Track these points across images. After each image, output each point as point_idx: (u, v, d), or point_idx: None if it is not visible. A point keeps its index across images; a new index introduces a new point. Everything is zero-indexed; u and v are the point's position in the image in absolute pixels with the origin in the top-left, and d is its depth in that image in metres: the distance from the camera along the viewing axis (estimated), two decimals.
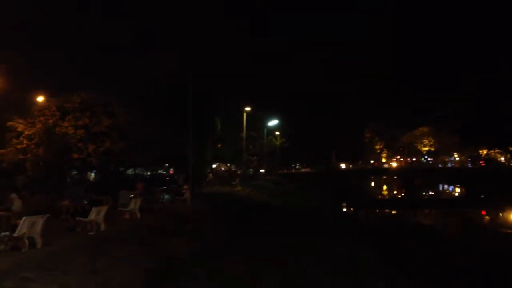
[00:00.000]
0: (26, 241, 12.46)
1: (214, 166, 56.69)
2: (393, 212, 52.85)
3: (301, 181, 75.38)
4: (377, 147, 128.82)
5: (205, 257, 15.44)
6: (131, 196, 21.55)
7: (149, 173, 43.45)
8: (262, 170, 67.48)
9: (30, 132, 29.92)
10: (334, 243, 20.15)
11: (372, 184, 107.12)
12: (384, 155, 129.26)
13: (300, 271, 14.21)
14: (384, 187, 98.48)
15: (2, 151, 29.88)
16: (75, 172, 36.06)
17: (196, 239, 18.32)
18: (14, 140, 30.02)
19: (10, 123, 30.17)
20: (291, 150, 79.38)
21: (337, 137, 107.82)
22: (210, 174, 48.76)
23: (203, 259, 15.02)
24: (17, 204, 16.22)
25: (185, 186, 28.53)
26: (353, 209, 53.34)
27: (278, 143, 71.95)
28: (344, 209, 51.68)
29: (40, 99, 33.24)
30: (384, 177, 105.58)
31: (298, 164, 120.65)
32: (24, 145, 29.81)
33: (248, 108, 48.72)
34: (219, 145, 50.73)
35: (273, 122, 64.07)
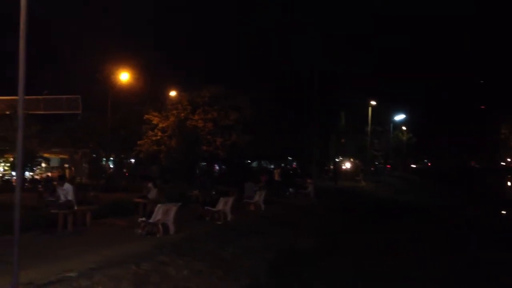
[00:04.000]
0: (161, 227, 13.23)
1: (337, 160, 56.06)
2: None
3: (429, 177, 71.80)
4: None
5: (327, 251, 15.32)
6: (256, 188, 22.00)
7: (272, 166, 44.08)
8: (387, 166, 65.49)
9: (164, 125, 31.80)
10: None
11: (509, 183, 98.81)
12: None
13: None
14: None
15: (140, 142, 32.16)
16: (203, 163, 37.76)
17: (318, 233, 18.27)
18: (150, 132, 32.12)
19: (146, 116, 32.36)
20: (418, 146, 76.02)
21: (470, 134, 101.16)
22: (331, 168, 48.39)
23: (325, 253, 14.90)
24: (152, 192, 17.31)
25: (309, 180, 28.54)
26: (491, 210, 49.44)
27: (404, 138, 69.36)
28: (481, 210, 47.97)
29: (173, 93, 35.26)
30: None
31: (425, 160, 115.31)
32: (158, 137, 31.77)
33: (373, 102, 47.51)
34: (342, 140, 50.07)
35: (400, 117, 61.86)
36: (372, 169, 59.99)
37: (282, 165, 44.05)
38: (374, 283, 11.74)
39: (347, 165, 57.01)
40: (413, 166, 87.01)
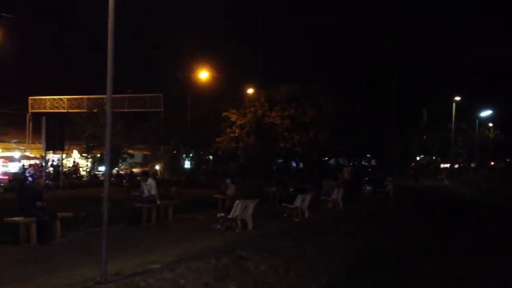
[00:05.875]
0: (239, 223, 13.43)
1: (418, 158, 54.25)
2: None
3: None
4: None
5: (407, 250, 14.87)
6: (334, 186, 21.76)
7: (350, 164, 43.39)
8: (472, 164, 62.52)
9: (241, 122, 32.22)
10: None
11: None
12: None
13: None
14: None
15: (219, 139, 32.80)
16: (280, 160, 37.89)
17: (398, 232, 17.76)
18: (228, 129, 32.67)
19: (224, 113, 32.94)
20: (506, 143, 71.85)
21: None
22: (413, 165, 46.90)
23: (406, 252, 14.47)
24: (231, 189, 17.62)
25: (389, 178, 27.82)
26: None
27: (491, 135, 65.93)
28: None
29: (250, 91, 35.65)
30: None
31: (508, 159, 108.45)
32: (236, 134, 32.24)
33: (457, 98, 45.52)
34: (424, 137, 48.36)
35: (486, 113, 58.78)
36: (455, 167, 57.54)
37: (354, 163, 43.20)
38: (457, 284, 11.26)
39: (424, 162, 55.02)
40: (501, 165, 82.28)
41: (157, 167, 35.61)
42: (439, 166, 57.81)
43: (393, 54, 29.64)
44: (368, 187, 27.74)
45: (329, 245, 13.06)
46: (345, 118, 31.90)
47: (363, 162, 46.65)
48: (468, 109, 53.75)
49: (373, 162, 51.07)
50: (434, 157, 56.80)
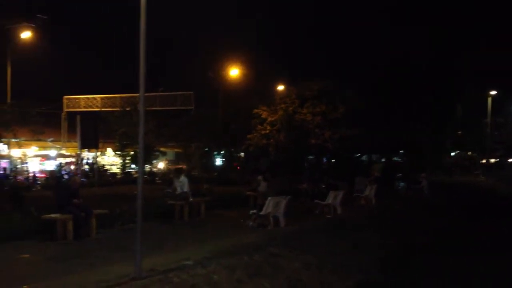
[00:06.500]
0: (271, 220, 13.43)
1: (452, 154, 53.23)
2: None
3: None
4: None
5: (443, 248, 14.58)
6: (367, 182, 21.56)
7: (383, 160, 42.83)
8: (510, 160, 61.00)
9: (272, 119, 32.14)
10: None
11: None
12: None
13: None
14: None
15: (250, 136, 32.85)
16: (311, 157, 37.68)
17: (433, 229, 17.45)
18: (259, 126, 32.62)
19: (255, 110, 32.95)
20: None
21: None
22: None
23: (441, 250, 14.19)
24: (262, 186, 17.64)
25: (422, 174, 27.40)
26: None
27: None
28: None
29: (281, 87, 35.55)
30: None
31: None
32: (267, 131, 32.18)
33: (493, 92, 44.44)
34: (459, 132, 47.40)
35: None
36: (492, 162, 56.24)
37: (383, 159, 42.59)
38: (494, 284, 10.97)
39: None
40: None
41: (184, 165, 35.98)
42: (476, 161, 56.55)
43: (426, 47, 29.07)
44: (401, 183, 27.38)
45: (363, 242, 12.94)
46: (377, 113, 31.48)
47: (395, 158, 45.92)
48: (505, 103, 52.49)
49: (401, 159, 50.30)
50: (469, 153, 55.60)
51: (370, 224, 15.42)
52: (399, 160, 48.49)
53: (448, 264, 12.34)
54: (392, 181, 27.79)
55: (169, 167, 35.55)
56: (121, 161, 33.16)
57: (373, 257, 12.06)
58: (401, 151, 48.80)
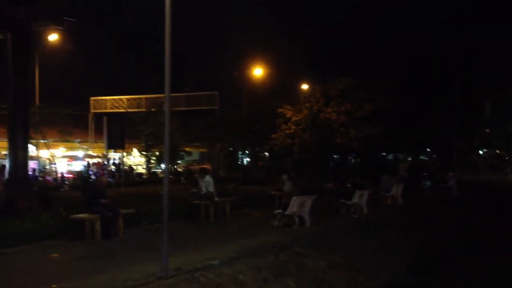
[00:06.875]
0: (297, 219, 13.37)
1: (481, 152, 52.27)
2: None
3: None
4: None
5: (473, 248, 14.30)
6: (393, 181, 21.31)
7: (409, 158, 42.36)
8: None
9: (297, 118, 32.07)
10: None
11: None
12: None
13: None
14: None
15: (274, 135, 32.82)
16: (336, 156, 37.44)
17: (462, 229, 17.14)
18: (283, 126, 32.60)
19: (280, 110, 32.90)
20: None
21: None
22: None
23: (471, 251, 13.92)
24: (287, 185, 17.56)
25: (450, 173, 26.95)
26: None
27: None
28: None
29: (305, 86, 35.42)
30: None
31: None
32: (292, 130, 32.14)
33: None
34: (487, 130, 46.53)
35: None
36: None
37: (409, 159, 42.05)
38: None
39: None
40: None
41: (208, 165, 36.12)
42: (504, 159, 55.40)
43: (455, 46, 28.61)
44: (428, 183, 26.98)
45: (389, 241, 12.79)
46: (403, 112, 31.14)
47: (421, 157, 45.32)
48: None
49: (427, 157, 49.56)
50: (498, 151, 54.46)
51: (397, 224, 15.24)
52: (426, 158, 47.87)
53: (478, 265, 12.11)
54: (419, 180, 27.41)
55: (191, 167, 35.72)
56: (146, 161, 33.49)
57: (401, 257, 11.89)
58: (428, 150, 48.24)
